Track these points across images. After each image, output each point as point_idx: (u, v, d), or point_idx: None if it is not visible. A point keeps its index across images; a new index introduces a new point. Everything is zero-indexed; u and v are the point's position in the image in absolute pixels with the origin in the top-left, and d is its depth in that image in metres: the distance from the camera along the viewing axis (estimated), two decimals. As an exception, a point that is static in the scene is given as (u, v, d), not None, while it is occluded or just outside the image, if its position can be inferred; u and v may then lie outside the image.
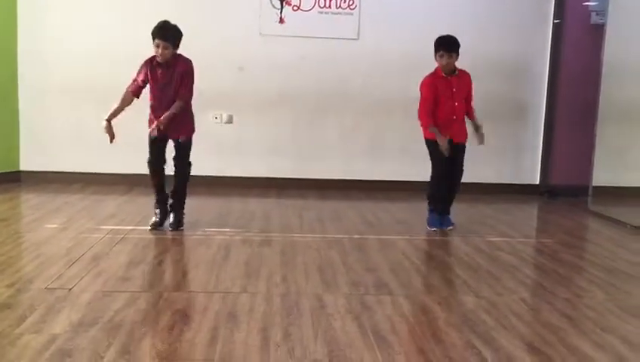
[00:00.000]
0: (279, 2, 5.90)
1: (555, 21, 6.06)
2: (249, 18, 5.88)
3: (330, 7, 5.92)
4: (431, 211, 4.52)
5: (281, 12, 5.90)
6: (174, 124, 4.08)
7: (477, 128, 4.47)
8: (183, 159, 4.19)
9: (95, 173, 5.75)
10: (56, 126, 5.80)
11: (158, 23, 4.06)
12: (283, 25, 5.91)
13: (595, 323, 2.69)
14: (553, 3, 6.08)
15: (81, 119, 5.68)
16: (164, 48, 4.01)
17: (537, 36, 6.14)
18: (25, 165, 5.85)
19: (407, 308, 2.78)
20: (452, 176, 4.45)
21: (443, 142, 4.24)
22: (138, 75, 4.10)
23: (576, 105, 6.06)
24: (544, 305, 2.92)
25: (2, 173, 5.65)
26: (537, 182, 6.29)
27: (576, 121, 6.05)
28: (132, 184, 5.36)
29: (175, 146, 4.19)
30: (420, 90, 4.40)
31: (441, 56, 4.31)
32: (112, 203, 4.97)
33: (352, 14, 5.93)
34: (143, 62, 4.11)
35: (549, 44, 6.12)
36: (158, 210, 4.22)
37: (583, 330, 2.60)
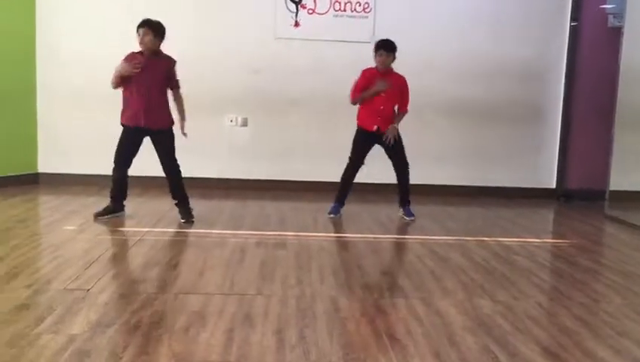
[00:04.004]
0: (294, 5, 5.92)
1: (572, 24, 6.03)
2: (264, 21, 5.91)
3: (345, 10, 5.94)
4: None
5: (296, 15, 5.93)
6: None
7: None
8: None
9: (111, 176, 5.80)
10: (73, 128, 5.87)
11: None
12: (298, 28, 5.93)
13: (611, 328, 2.67)
14: (570, 6, 6.05)
15: (99, 122, 5.73)
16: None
17: (554, 39, 6.11)
18: (43, 167, 5.92)
19: (422, 312, 2.78)
20: (396, 168, 4.84)
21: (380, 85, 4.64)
22: None
23: (594, 108, 6.02)
24: (560, 309, 2.90)
25: (21, 175, 5.73)
26: (554, 186, 6.26)
27: (593, 124, 6.01)
28: (147, 186, 5.41)
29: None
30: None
31: (380, 55, 4.68)
32: (128, 205, 4.99)
33: (367, 17, 5.94)
34: None
35: (566, 47, 6.09)
36: None
37: (599, 335, 2.59)
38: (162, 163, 4.44)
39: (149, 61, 4.28)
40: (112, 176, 4.48)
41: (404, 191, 4.89)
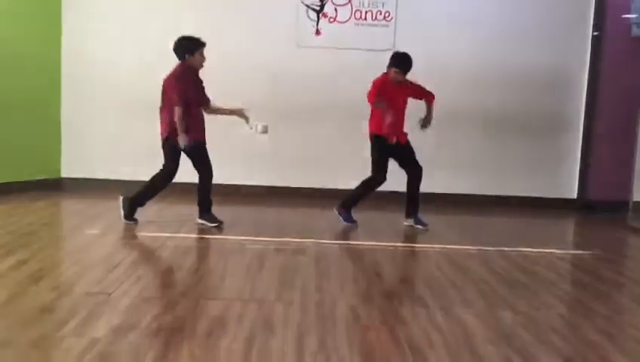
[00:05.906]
0: (316, 14, 5.95)
1: (594, 33, 5.98)
2: (286, 30, 5.95)
3: (366, 18, 5.96)
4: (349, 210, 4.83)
5: (317, 24, 5.96)
6: None
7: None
8: None
9: (133, 181, 5.85)
10: (96, 134, 5.94)
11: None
12: (319, 36, 5.96)
13: (637, 342, 2.63)
14: (592, 15, 6.00)
15: (121, 128, 5.81)
16: None
17: (576, 48, 6.06)
18: (66, 172, 6.00)
19: (443, 321, 2.76)
20: (412, 175, 4.73)
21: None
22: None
23: (616, 118, 5.95)
24: (583, 321, 2.87)
25: (44, 180, 5.81)
26: (575, 197, 6.19)
27: (616, 134, 5.94)
28: (168, 192, 5.43)
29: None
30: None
31: (395, 73, 4.61)
32: (149, 210, 5.04)
33: (387, 26, 5.95)
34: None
35: (589, 57, 6.04)
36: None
37: (624, 348, 2.55)
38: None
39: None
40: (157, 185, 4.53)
41: (414, 199, 4.77)
